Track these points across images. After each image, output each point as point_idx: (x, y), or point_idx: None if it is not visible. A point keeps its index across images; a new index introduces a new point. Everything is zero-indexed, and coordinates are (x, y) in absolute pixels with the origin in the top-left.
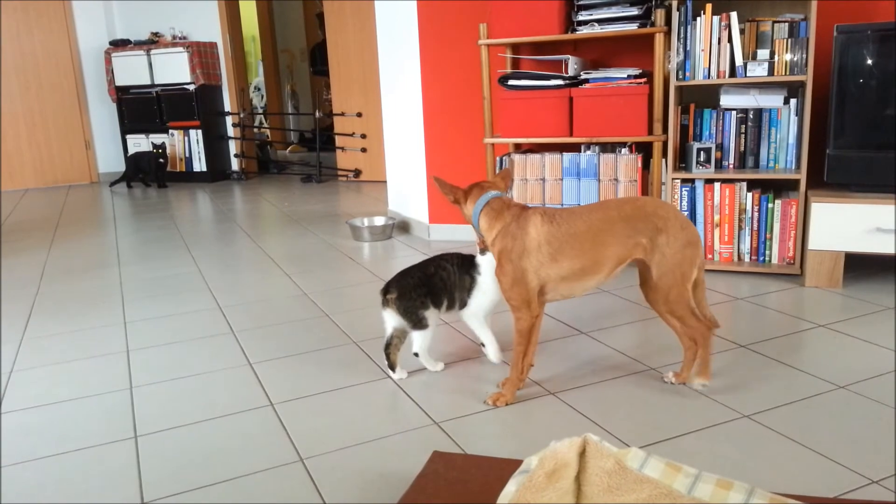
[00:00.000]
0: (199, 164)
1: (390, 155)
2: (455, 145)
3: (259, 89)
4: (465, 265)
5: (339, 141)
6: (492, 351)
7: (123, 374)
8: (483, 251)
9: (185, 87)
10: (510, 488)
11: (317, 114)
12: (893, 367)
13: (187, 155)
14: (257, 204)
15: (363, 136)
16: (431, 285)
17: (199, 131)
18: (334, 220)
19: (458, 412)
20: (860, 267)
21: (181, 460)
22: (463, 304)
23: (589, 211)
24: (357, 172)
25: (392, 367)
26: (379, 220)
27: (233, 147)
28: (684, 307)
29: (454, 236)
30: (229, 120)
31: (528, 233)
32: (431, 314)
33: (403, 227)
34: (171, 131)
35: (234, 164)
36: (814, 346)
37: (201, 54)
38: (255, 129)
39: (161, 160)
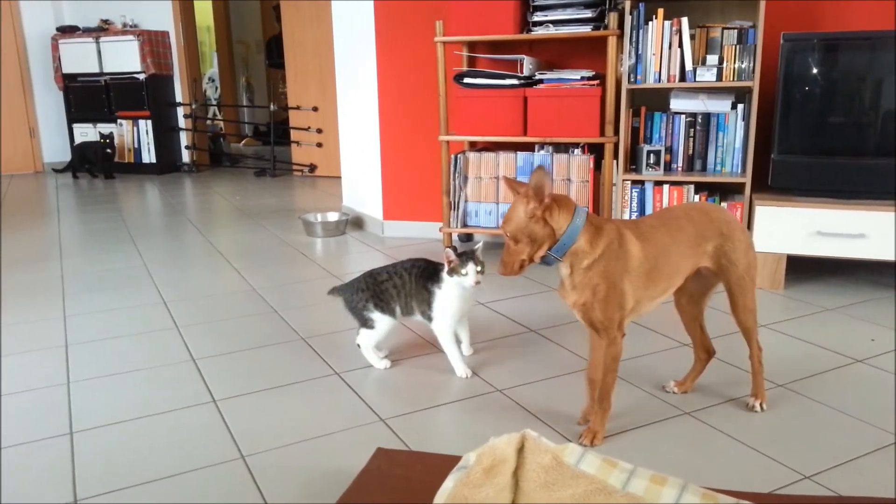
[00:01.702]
0: (149, 156)
1: (345, 150)
2: (410, 142)
3: (213, 80)
4: (425, 276)
5: (294, 135)
6: (458, 368)
7: (61, 369)
8: (452, 272)
9: (135, 76)
10: (448, 485)
11: (272, 107)
12: (833, 366)
13: (136, 146)
14: (208, 197)
15: (319, 131)
16: (379, 291)
17: (149, 122)
18: (287, 215)
19: (405, 409)
20: (801, 269)
21: (118, 457)
22: (426, 317)
23: (665, 221)
24: (312, 167)
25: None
26: (332, 216)
27: (184, 139)
28: (755, 316)
29: (408, 233)
30: (181, 111)
31: (630, 252)
32: (381, 317)
33: (357, 223)
34: (119, 121)
35: (185, 157)
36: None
37: (152, 43)
38: (209, 121)
39: (108, 150)
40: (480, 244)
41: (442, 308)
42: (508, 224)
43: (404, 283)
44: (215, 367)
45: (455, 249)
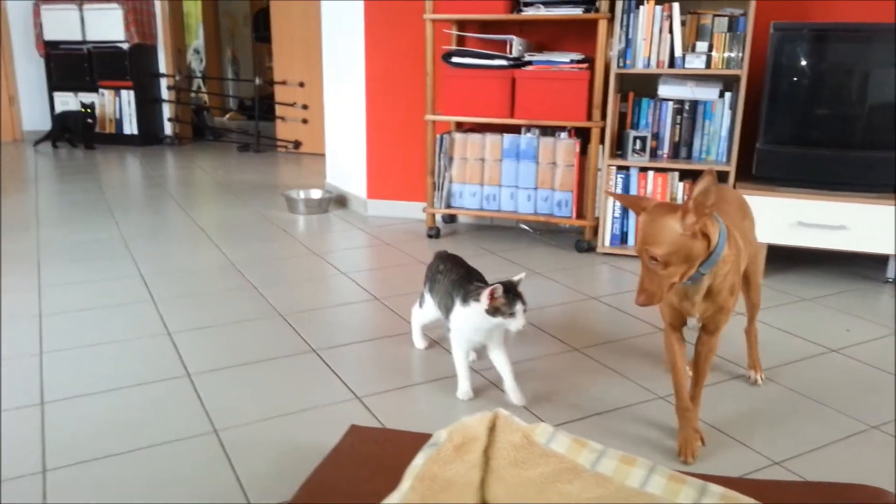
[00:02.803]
0: (131, 127)
1: (330, 127)
2: (396, 121)
3: (198, 52)
4: (456, 285)
5: (279, 110)
6: (461, 386)
7: (34, 340)
8: (495, 312)
9: (119, 45)
10: (418, 461)
11: (256, 81)
12: (807, 355)
13: (118, 116)
14: (190, 171)
15: (305, 107)
16: (433, 280)
17: (132, 92)
18: (270, 191)
19: (381, 387)
20: (782, 259)
21: (88, 429)
22: (447, 327)
23: (721, 206)
24: (297, 144)
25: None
26: (316, 194)
27: (167, 111)
28: (760, 293)
29: (392, 213)
30: (164, 82)
31: (739, 243)
32: (429, 300)
33: (341, 201)
34: (101, 91)
35: (168, 129)
36: (732, 334)
37: (137, 12)
38: (193, 94)
39: (89, 120)
40: (523, 276)
41: (455, 323)
42: (659, 246)
43: (443, 284)
44: (191, 341)
45: (511, 288)
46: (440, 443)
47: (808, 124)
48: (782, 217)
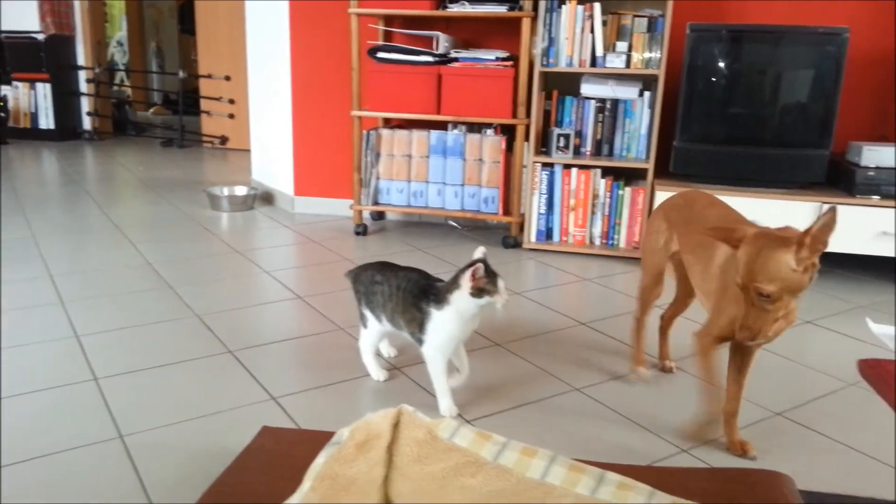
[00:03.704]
0: (47, 121)
1: (255, 122)
2: (323, 116)
3: (122, 45)
4: (416, 292)
5: (204, 105)
6: (443, 403)
7: None
8: (481, 293)
9: (33, 35)
10: (319, 460)
11: (180, 74)
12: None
13: (33, 110)
14: (109, 167)
15: (231, 102)
16: (371, 292)
17: (48, 85)
18: (193, 188)
19: (298, 387)
20: None
21: None
22: (416, 339)
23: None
24: (223, 139)
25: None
26: (240, 190)
27: (86, 104)
28: None
29: (319, 210)
30: (83, 75)
31: None
32: (371, 317)
33: (267, 198)
34: (14, 83)
35: (87, 123)
36: (647, 326)
37: (53, 2)
38: (116, 87)
39: (1, 114)
40: (484, 250)
41: (436, 334)
42: (772, 283)
43: (391, 295)
44: (100, 343)
45: (484, 264)
46: (342, 441)
47: (723, 123)
48: None
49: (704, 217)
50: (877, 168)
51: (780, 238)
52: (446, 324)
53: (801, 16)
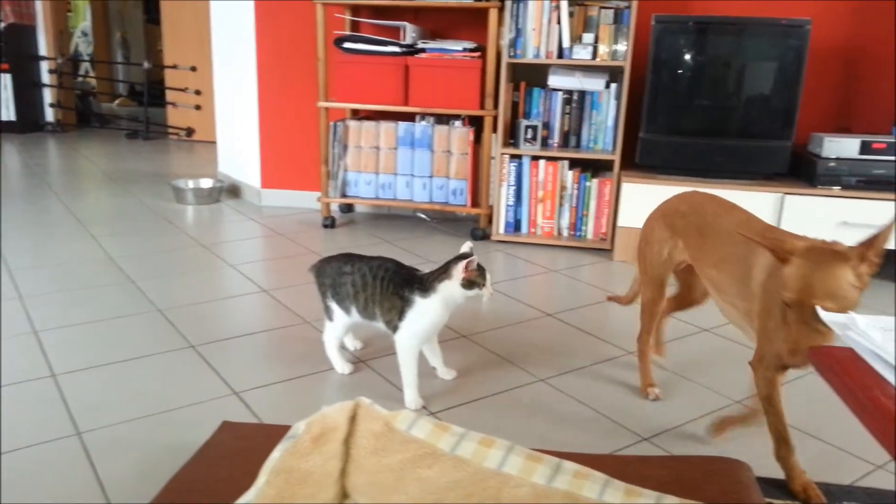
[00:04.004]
0: (8, 113)
1: (221, 113)
2: (290, 107)
3: (86, 35)
4: (397, 280)
5: (170, 96)
6: (408, 395)
7: None
8: (471, 285)
9: None
10: (274, 455)
11: (145, 64)
12: (681, 335)
13: None
14: (73, 160)
15: (198, 93)
16: (338, 283)
17: (8, 76)
18: (158, 180)
19: (261, 381)
20: None
21: None
22: (391, 327)
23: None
24: (189, 131)
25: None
26: (206, 183)
27: (48, 96)
28: None
29: (287, 202)
30: (45, 65)
31: None
32: (338, 310)
33: (233, 191)
34: None
35: (50, 115)
36: (612, 316)
37: None
38: (80, 78)
39: None
40: (471, 244)
41: (416, 321)
42: (834, 300)
43: (366, 285)
44: (59, 339)
45: (473, 257)
46: (298, 435)
47: (688, 114)
48: None
49: (720, 225)
50: (837, 159)
51: (837, 252)
52: (429, 312)
53: (765, 8)
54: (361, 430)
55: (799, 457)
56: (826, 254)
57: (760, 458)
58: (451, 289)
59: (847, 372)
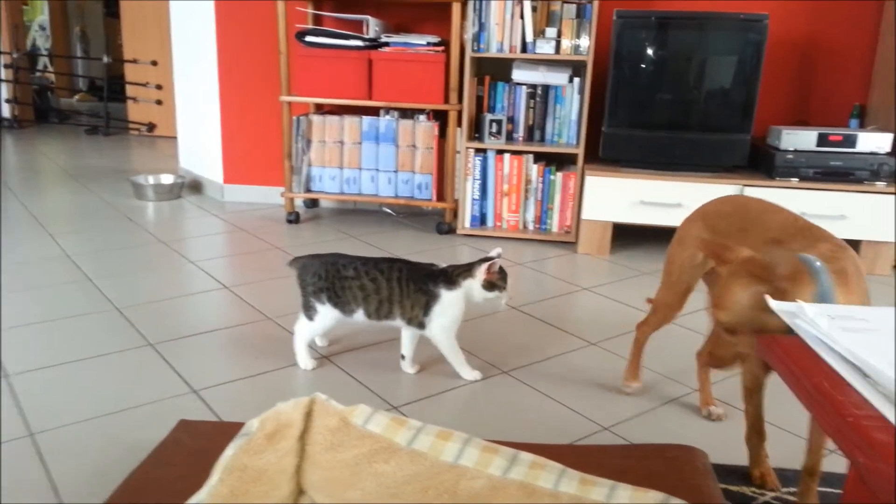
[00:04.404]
0: None
1: (182, 107)
2: (252, 101)
3: (44, 29)
4: (415, 278)
5: (130, 91)
6: (465, 372)
7: None
8: (492, 287)
9: None
10: (227, 453)
11: (105, 59)
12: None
13: None
14: (30, 156)
15: (159, 87)
16: (339, 287)
17: None
18: (117, 177)
19: (221, 379)
20: (626, 236)
21: None
22: (416, 323)
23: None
24: (151, 126)
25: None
26: (167, 178)
27: (4, 91)
28: None
29: (250, 198)
30: (0, 60)
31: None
32: (328, 312)
33: (195, 186)
34: None
35: (6, 111)
36: (576, 307)
37: None
38: (38, 73)
39: None
40: (500, 251)
41: (444, 313)
42: (725, 312)
43: (379, 289)
44: (12, 339)
45: (495, 260)
46: (251, 432)
47: (650, 108)
48: (626, 196)
49: (765, 223)
50: (795, 151)
51: (756, 272)
52: (455, 304)
53: (725, 3)
54: (317, 425)
55: (772, 449)
56: (747, 268)
57: (717, 445)
58: (472, 287)
59: (794, 360)
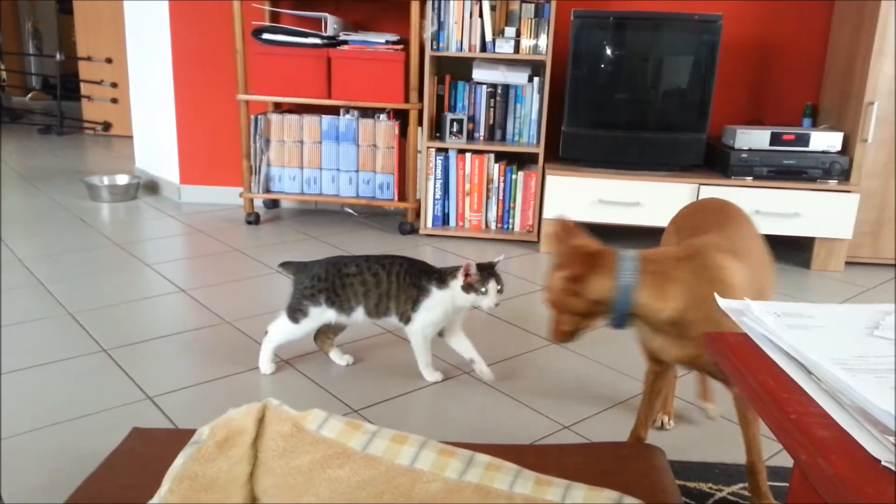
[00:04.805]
0: None
1: (137, 106)
2: (209, 100)
3: None
4: (413, 273)
5: (85, 89)
6: (426, 374)
7: None
8: (469, 288)
9: None
10: (177, 461)
11: (58, 56)
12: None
13: None
14: None
15: (114, 85)
16: (340, 284)
17: None
18: (71, 177)
19: (177, 385)
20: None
21: None
22: (404, 318)
23: (738, 224)
24: (106, 125)
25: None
26: (122, 179)
27: None
28: None
29: (208, 199)
30: None
31: (733, 285)
32: (319, 314)
33: (151, 187)
34: None
35: None
36: (539, 307)
37: None
38: None
39: None
40: (502, 258)
41: (430, 310)
42: (547, 292)
43: (380, 282)
44: None
45: (490, 268)
46: (202, 440)
47: (608, 108)
48: (585, 195)
49: (700, 221)
50: (749, 150)
51: (565, 260)
52: (441, 303)
53: (681, 3)
54: (270, 431)
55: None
56: (561, 256)
57: (674, 443)
58: (455, 288)
59: (739, 356)
